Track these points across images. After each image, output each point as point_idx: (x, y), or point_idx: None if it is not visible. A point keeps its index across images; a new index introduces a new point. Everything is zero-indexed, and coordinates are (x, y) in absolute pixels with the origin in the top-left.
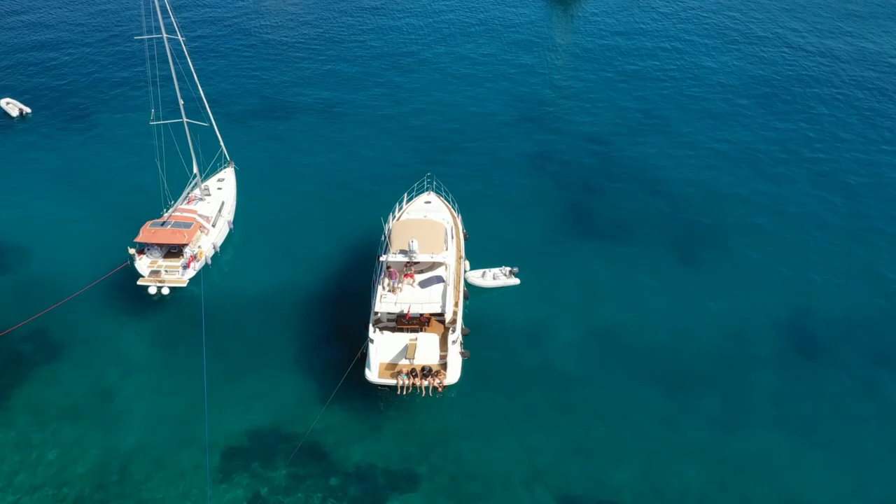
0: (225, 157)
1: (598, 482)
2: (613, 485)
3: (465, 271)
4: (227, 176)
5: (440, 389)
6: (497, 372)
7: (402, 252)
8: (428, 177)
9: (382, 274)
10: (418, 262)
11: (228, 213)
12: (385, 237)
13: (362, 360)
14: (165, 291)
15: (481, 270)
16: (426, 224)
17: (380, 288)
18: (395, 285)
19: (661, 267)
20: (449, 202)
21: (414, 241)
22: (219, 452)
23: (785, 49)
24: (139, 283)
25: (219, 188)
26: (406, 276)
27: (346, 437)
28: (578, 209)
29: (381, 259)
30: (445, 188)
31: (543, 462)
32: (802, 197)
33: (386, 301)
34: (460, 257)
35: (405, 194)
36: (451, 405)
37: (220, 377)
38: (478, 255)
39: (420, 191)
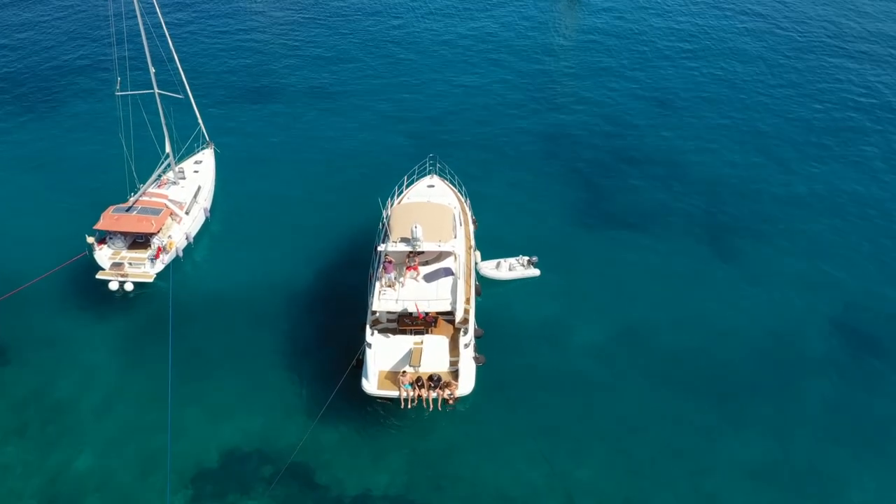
0: (204, 137)
1: None
2: None
3: (476, 262)
4: (206, 158)
5: (451, 402)
6: (516, 380)
7: (404, 240)
8: (430, 158)
9: (381, 267)
10: (423, 252)
11: (205, 199)
12: (383, 224)
13: (358, 367)
14: (129, 287)
15: (495, 261)
16: (431, 208)
17: (378, 283)
18: (396, 280)
19: (693, 260)
20: (455, 186)
21: (418, 226)
22: (187, 478)
23: (825, 30)
24: (98, 276)
25: (195, 171)
26: (409, 268)
27: (340, 460)
28: (598, 197)
29: (380, 249)
30: (451, 170)
31: (574, 486)
32: (848, 184)
33: (385, 298)
34: (470, 247)
35: (405, 177)
36: (465, 420)
37: (191, 389)
38: (487, 244)
39: (422, 174)
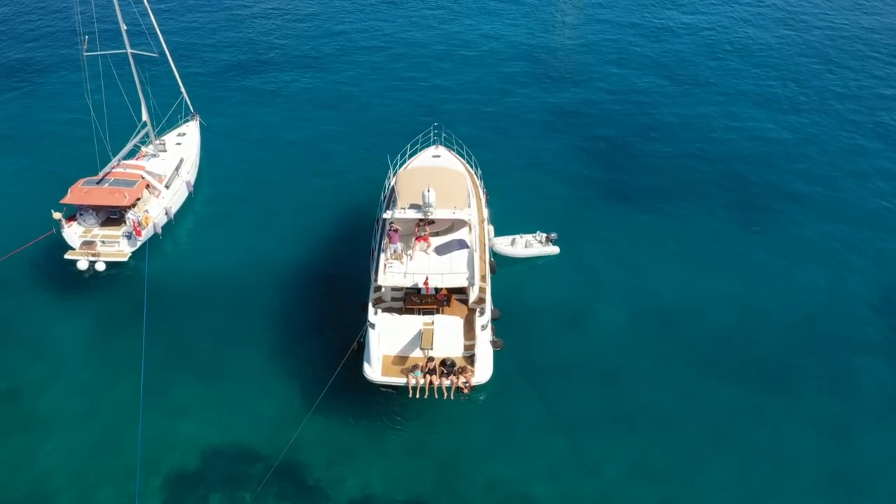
0: (188, 108)
1: None
2: None
3: (490, 237)
4: (190, 130)
5: (466, 391)
6: (536, 368)
7: (414, 207)
8: (434, 127)
9: (385, 236)
10: (433, 223)
11: (188, 172)
12: (387, 192)
13: (359, 352)
14: (101, 267)
15: (510, 237)
16: (443, 173)
17: (383, 256)
18: (403, 252)
19: (722, 237)
20: (462, 156)
21: (430, 191)
22: (163, 479)
23: None
24: (67, 256)
25: (178, 144)
26: (418, 238)
27: (338, 458)
28: (617, 173)
29: (385, 217)
30: (457, 139)
31: (606, 486)
32: (880, 160)
33: (392, 271)
34: (483, 220)
35: (407, 146)
36: (481, 413)
37: (168, 379)
38: (499, 220)
39: (426, 144)
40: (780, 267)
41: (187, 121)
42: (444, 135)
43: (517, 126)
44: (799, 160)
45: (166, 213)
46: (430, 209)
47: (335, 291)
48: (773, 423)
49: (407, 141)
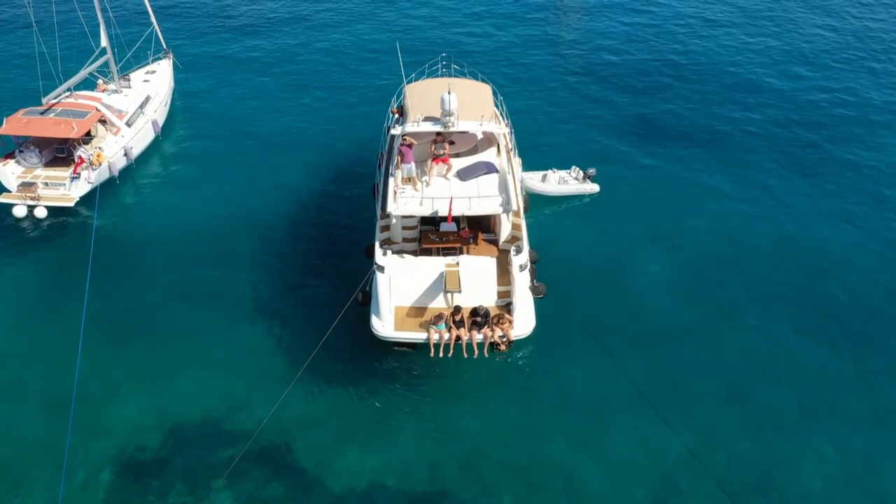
0: (159, 43)
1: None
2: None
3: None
4: (161, 69)
5: (503, 347)
6: (578, 324)
7: (430, 119)
8: (443, 58)
9: (396, 158)
10: (454, 143)
11: (155, 111)
12: (396, 108)
13: (364, 304)
14: (41, 213)
15: (541, 172)
16: (462, 83)
17: (392, 181)
18: (418, 178)
19: (781, 179)
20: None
21: (451, 94)
22: (108, 467)
23: None
24: (1, 199)
25: (145, 81)
26: (436, 160)
27: (331, 438)
28: (646, 111)
29: (394, 133)
30: (470, 69)
31: (670, 469)
32: None
33: (405, 198)
34: (510, 149)
35: (412, 74)
36: (519, 376)
37: (116, 345)
38: (525, 160)
39: (433, 75)
40: (855, 210)
41: (159, 58)
42: (454, 66)
43: (537, 68)
44: (861, 108)
45: (125, 155)
46: (451, 120)
47: (329, 242)
48: (871, 385)
49: (412, 71)
